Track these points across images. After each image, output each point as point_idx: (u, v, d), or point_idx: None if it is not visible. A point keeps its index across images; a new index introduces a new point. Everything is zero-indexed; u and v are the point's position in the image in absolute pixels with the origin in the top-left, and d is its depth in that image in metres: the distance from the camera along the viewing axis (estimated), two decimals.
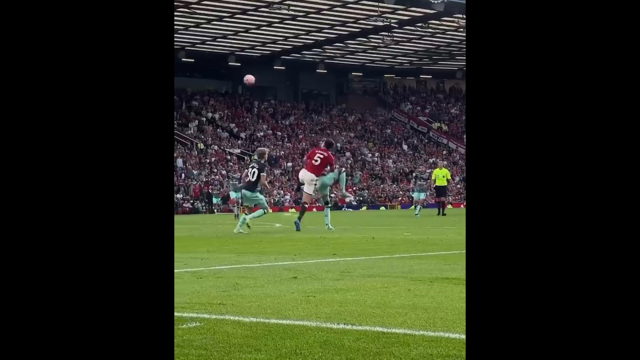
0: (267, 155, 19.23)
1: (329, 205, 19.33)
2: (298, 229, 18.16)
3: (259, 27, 55.96)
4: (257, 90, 65.85)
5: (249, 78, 20.14)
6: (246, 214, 18.67)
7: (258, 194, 18.35)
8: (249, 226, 18.15)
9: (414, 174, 36.57)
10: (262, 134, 63.43)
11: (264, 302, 5.91)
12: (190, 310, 5.55)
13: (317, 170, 18.69)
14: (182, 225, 24.27)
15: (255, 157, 19.56)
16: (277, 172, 57.40)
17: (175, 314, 5.32)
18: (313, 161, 18.76)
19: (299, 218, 18.80)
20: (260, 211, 18.50)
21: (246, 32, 57.18)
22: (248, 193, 18.40)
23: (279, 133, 64.45)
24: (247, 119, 65.37)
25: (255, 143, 59.39)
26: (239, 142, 61.49)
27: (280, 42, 60.91)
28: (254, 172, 18.21)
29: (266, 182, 18.67)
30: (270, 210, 18.92)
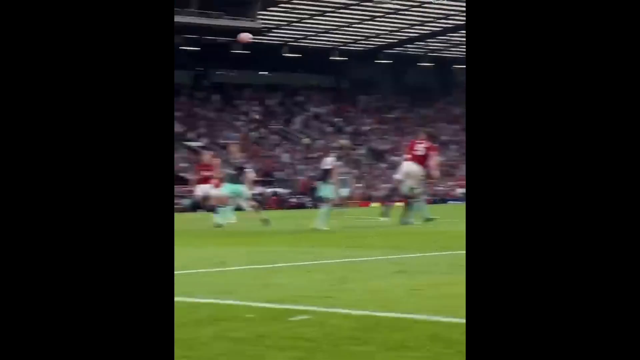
0: (348, 147, 18.50)
1: (418, 198, 18.42)
2: (407, 223, 17.68)
3: (361, 21, 56.01)
4: (361, 84, 65.87)
5: (243, 36, 18.26)
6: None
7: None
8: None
9: None
10: (367, 128, 63.45)
11: (372, 295, 5.93)
12: (299, 303, 5.61)
13: (423, 161, 18.10)
14: (290, 220, 24.38)
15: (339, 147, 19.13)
16: (383, 165, 57.36)
17: (285, 306, 5.40)
18: (417, 152, 18.18)
19: (405, 215, 18.11)
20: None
21: (349, 26, 57.24)
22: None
23: (384, 127, 64.36)
24: (352, 113, 65.47)
25: (360, 137, 59.48)
26: (345, 136, 61.66)
27: (383, 35, 60.79)
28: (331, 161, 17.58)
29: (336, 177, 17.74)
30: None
